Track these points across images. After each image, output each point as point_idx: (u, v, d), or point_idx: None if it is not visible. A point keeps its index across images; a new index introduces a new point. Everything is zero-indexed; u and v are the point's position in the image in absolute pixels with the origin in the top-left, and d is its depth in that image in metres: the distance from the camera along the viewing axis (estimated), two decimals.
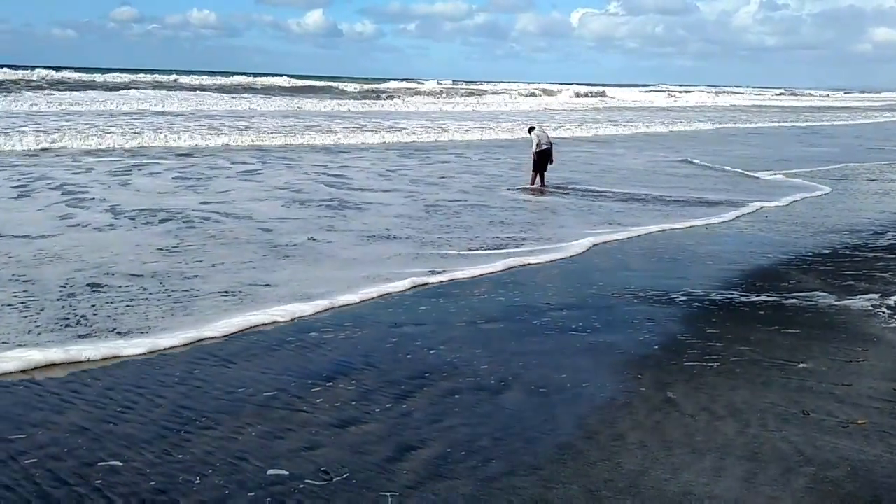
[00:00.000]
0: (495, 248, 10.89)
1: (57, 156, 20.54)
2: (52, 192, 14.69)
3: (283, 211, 13.50)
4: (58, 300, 7.81)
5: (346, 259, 10.03)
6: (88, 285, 8.36)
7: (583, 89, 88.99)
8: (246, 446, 4.83)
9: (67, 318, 7.24)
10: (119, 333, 6.86)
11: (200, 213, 12.93)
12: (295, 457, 4.71)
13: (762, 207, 15.34)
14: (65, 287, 8.26)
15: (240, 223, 12.19)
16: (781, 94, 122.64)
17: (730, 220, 13.94)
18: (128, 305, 7.69)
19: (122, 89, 49.42)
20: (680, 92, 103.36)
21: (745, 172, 21.43)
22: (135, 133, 25.25)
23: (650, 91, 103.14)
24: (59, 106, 37.04)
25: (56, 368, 6.05)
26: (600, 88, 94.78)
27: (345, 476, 4.49)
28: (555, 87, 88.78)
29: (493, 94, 75.68)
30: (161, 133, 25.67)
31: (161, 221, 12.09)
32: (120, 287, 8.33)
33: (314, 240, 11.10)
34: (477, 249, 10.79)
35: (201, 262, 9.56)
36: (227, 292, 8.24)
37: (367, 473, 4.54)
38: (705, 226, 13.36)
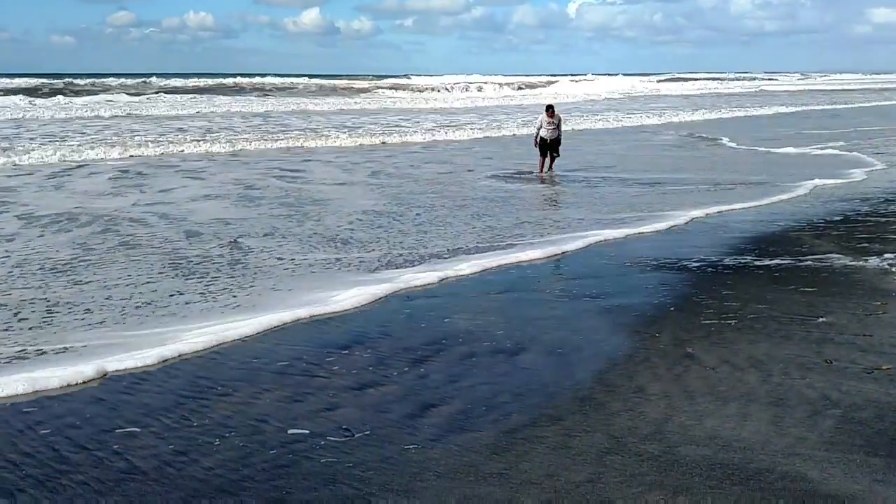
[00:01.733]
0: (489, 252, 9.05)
1: None
2: None
3: (231, 211, 11.99)
4: None
5: (279, 276, 7.95)
6: None
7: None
8: (265, 410, 4.79)
9: None
10: None
11: (129, 215, 11.51)
12: (315, 417, 4.67)
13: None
14: None
15: (169, 226, 10.69)
16: (801, 78, 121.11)
17: None
18: None
19: (98, 94, 47.44)
20: (713, 79, 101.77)
21: None
22: (92, 140, 22.77)
23: (674, 80, 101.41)
24: (9, 114, 33.85)
25: None
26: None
27: (366, 433, 4.45)
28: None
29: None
30: (126, 137, 23.74)
31: (79, 227, 10.54)
32: None
33: (237, 244, 9.39)
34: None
35: (88, 285, 7.60)
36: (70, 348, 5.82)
37: (388, 429, 4.49)
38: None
